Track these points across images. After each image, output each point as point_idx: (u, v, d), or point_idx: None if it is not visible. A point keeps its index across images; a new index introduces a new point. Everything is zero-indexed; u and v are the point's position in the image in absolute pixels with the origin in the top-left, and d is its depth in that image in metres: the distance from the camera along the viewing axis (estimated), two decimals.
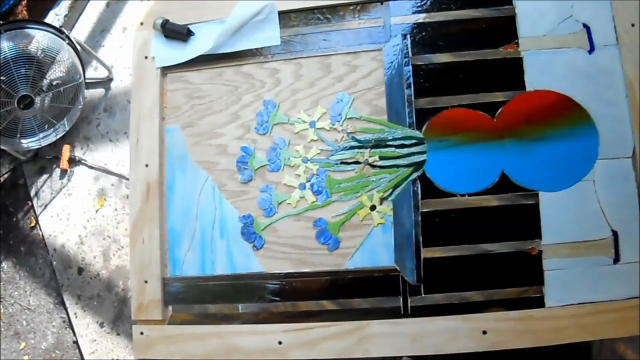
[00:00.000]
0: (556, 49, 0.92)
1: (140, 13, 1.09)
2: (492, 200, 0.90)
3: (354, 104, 0.97)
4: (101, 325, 1.78)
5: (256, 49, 1.01)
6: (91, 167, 1.89)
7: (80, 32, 2.00)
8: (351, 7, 1.00)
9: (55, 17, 1.97)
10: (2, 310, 1.89)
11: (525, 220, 0.88)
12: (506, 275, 0.88)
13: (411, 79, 0.95)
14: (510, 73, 0.92)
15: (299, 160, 0.96)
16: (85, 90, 1.83)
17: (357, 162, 0.95)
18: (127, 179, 1.01)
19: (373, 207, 0.93)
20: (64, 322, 1.84)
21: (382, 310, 0.90)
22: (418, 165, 0.92)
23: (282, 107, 0.99)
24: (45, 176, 1.96)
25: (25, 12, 1.96)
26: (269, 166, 0.97)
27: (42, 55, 1.69)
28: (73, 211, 1.89)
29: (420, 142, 0.93)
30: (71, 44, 1.74)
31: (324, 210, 0.94)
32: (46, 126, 1.80)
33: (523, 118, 0.91)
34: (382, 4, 0.99)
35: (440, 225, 0.86)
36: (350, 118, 0.96)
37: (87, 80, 1.84)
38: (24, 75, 1.69)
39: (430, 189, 0.91)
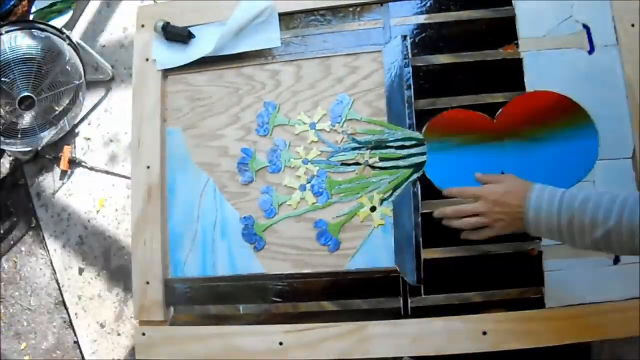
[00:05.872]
0: (556, 49, 0.92)
1: (140, 14, 1.09)
2: None
3: (354, 105, 0.97)
4: (102, 325, 1.78)
5: (257, 50, 1.01)
6: (92, 168, 1.90)
7: (80, 32, 2.00)
8: (351, 9, 1.00)
9: None
10: (2, 311, 1.89)
11: None
12: (506, 276, 0.88)
13: (411, 80, 0.95)
14: (510, 74, 0.92)
15: (299, 161, 0.97)
16: (86, 91, 1.84)
17: (357, 164, 0.95)
18: (129, 178, 1.01)
19: (373, 208, 0.93)
20: (64, 322, 1.84)
21: (382, 311, 0.90)
22: (418, 166, 0.92)
23: (283, 108, 0.99)
24: (45, 176, 1.96)
25: (25, 12, 1.97)
26: (270, 167, 0.98)
27: (42, 55, 1.69)
28: (74, 211, 1.89)
29: (420, 143, 0.93)
30: (71, 44, 1.74)
31: (325, 211, 0.94)
32: (47, 126, 1.80)
33: (523, 119, 0.91)
34: (382, 5, 0.99)
35: (440, 226, 0.86)
36: (350, 119, 0.96)
37: (87, 81, 1.84)
38: (24, 76, 1.69)
39: (430, 190, 0.91)
